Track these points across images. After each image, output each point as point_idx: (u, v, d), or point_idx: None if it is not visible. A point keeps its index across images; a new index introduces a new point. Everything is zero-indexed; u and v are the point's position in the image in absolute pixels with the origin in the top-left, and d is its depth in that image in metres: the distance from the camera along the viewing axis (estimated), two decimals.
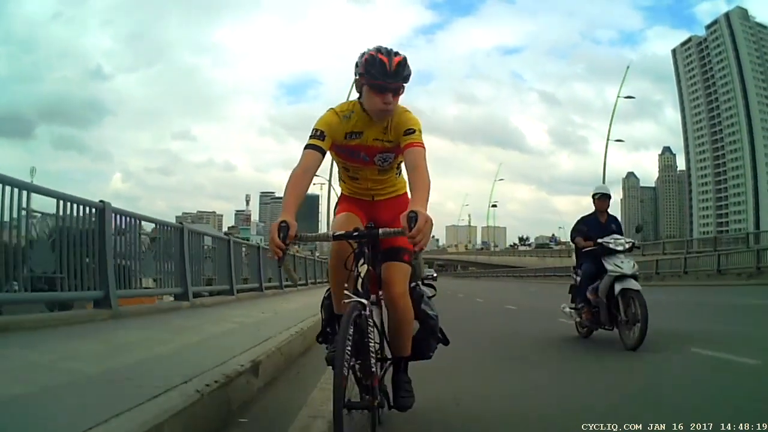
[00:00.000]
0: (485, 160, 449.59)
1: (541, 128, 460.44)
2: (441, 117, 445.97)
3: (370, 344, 3.56)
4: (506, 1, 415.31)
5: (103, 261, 8.92)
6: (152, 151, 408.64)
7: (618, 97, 76.72)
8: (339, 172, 4.59)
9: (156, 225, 12.15)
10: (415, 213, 3.37)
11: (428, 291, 4.60)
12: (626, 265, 9.50)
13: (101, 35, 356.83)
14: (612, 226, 10.83)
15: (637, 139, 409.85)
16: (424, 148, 4.12)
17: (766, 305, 16.90)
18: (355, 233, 3.73)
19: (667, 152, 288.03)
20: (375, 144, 4.20)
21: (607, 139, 75.55)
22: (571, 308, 10.68)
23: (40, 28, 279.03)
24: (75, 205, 8.51)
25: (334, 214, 4.63)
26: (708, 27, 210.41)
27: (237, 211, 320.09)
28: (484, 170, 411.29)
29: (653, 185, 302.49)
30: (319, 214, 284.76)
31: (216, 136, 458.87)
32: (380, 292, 4.04)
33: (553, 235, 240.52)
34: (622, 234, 10.49)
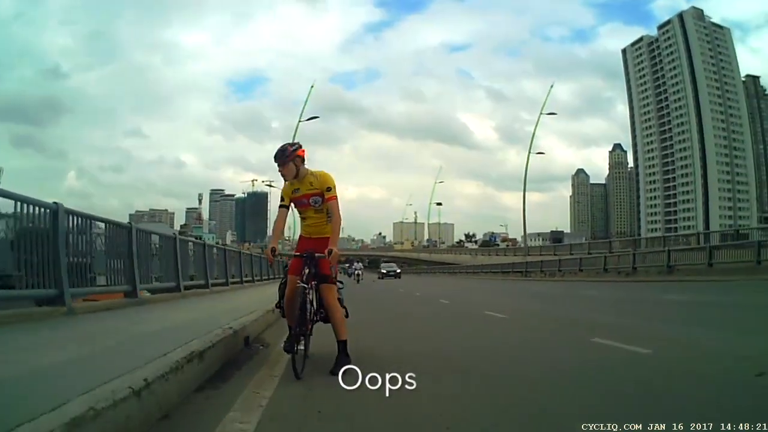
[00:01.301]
0: (432, 156, 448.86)
1: (489, 125, 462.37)
2: (388, 114, 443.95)
3: (307, 311, 6.80)
4: None
5: (57, 260, 9.21)
6: (105, 149, 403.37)
7: (540, 114, 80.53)
8: (299, 222, 7.52)
9: (106, 224, 12.35)
10: (331, 250, 6.85)
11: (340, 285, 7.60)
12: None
13: (59, 35, 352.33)
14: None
15: (587, 136, 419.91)
16: (337, 199, 7.19)
17: (680, 300, 18.19)
18: (305, 254, 6.97)
19: (617, 149, 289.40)
20: (307, 192, 7.12)
21: (529, 153, 78.56)
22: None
23: (1, 29, 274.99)
24: (30, 206, 8.83)
25: (297, 245, 7.51)
26: (660, 27, 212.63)
27: (188, 208, 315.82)
28: (431, 166, 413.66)
29: (604, 182, 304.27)
30: (268, 212, 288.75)
31: (166, 134, 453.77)
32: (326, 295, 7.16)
33: (492, 233, 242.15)
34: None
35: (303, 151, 7.18)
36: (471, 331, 11.75)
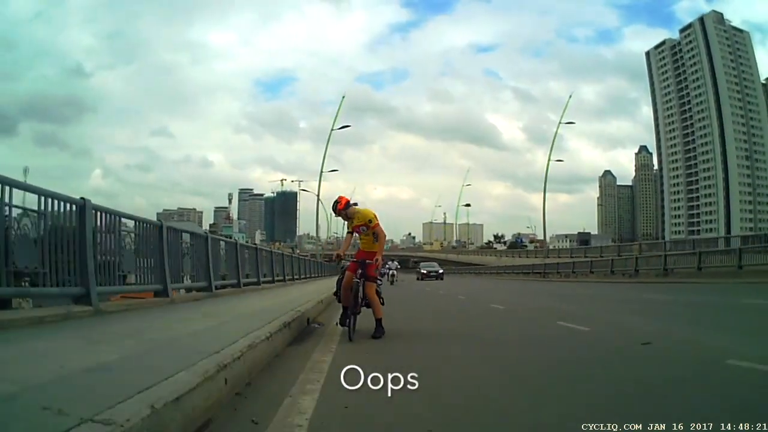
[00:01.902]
0: (460, 156, 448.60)
1: (516, 126, 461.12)
2: (415, 114, 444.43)
3: (359, 297, 10.37)
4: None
5: (83, 257, 9.04)
6: (131, 148, 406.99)
7: (559, 123, 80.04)
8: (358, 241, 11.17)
9: (135, 222, 12.10)
10: (376, 258, 10.59)
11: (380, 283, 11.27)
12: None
13: (81, 33, 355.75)
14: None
15: (614, 137, 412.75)
16: (379, 225, 10.75)
17: (651, 298, 21.18)
18: (359, 260, 10.62)
19: (643, 151, 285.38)
20: (357, 224, 10.79)
21: (548, 160, 78.14)
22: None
23: (21, 27, 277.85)
24: (57, 202, 8.67)
25: (356, 254, 11.05)
26: (682, 30, 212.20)
27: (216, 207, 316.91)
28: (459, 167, 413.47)
29: (630, 183, 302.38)
30: (297, 211, 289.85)
31: (193, 134, 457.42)
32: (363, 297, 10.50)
33: (518, 235, 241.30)
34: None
35: (343, 200, 10.94)
36: (475, 316, 16.44)
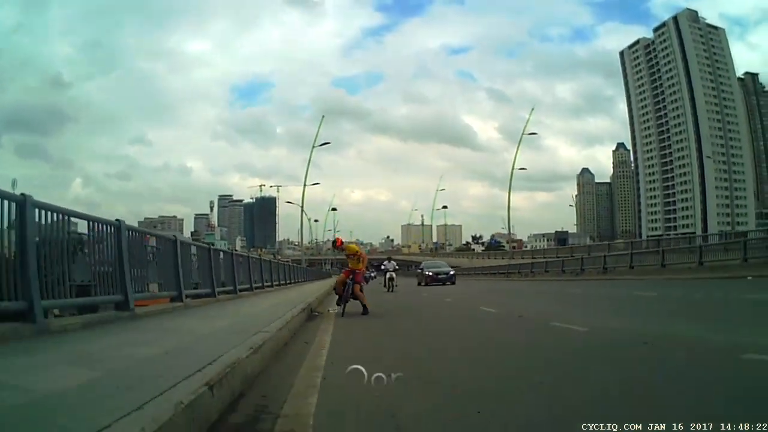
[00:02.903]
0: (437, 157, 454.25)
1: (492, 126, 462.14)
2: (391, 117, 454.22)
3: (348, 291, 16.04)
4: (455, 1, 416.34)
5: (122, 270, 10.39)
6: (111, 157, 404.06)
7: (522, 134, 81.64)
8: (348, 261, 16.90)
9: (156, 237, 14.13)
10: (360, 271, 16.58)
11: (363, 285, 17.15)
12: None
13: (61, 44, 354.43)
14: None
15: (591, 134, 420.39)
16: (359, 252, 16.98)
17: (586, 292, 23.78)
18: (350, 270, 16.41)
19: (621, 148, 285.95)
20: (347, 254, 16.95)
21: (512, 169, 79.82)
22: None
23: (2, 39, 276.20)
24: (98, 225, 10.03)
25: (341, 274, 17.58)
26: (656, 30, 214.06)
27: (197, 214, 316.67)
28: (436, 168, 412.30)
29: (608, 181, 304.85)
30: (276, 216, 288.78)
31: (171, 141, 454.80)
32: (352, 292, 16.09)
33: (494, 235, 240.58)
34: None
35: (339, 240, 18.77)
36: (432, 306, 20.62)
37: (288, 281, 41.12)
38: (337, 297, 16.70)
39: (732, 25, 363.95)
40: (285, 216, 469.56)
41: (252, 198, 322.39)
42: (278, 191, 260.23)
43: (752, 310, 12.44)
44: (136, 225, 14.79)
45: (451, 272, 47.05)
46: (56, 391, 4.20)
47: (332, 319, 14.48)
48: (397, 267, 38.00)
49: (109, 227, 10.60)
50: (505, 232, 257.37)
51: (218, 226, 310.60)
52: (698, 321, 10.76)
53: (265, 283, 29.38)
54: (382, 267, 37.95)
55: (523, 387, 5.51)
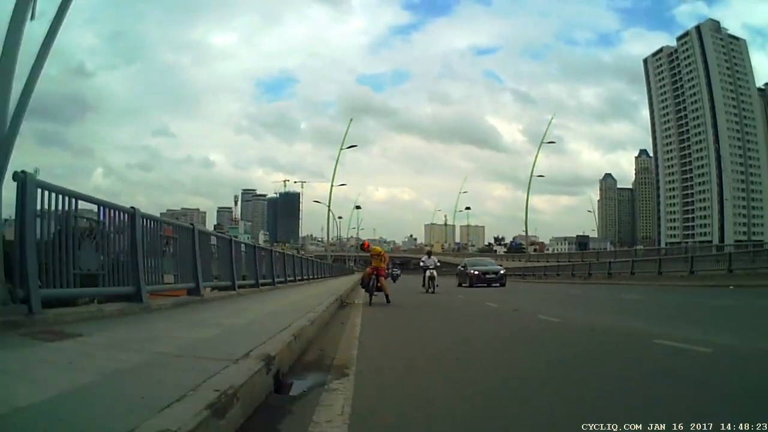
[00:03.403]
0: (461, 158, 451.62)
1: (516, 128, 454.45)
2: (416, 116, 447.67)
3: (373, 284, 20.04)
4: (481, 2, 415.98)
5: (135, 260, 10.05)
6: (132, 148, 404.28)
7: (542, 142, 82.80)
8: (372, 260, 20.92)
9: (173, 226, 13.46)
10: (383, 268, 20.67)
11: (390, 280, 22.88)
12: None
13: (84, 34, 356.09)
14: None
15: (614, 139, 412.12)
16: (383, 253, 21.19)
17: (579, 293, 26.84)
18: (374, 268, 20.33)
19: (643, 155, 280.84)
20: (372, 254, 21.07)
21: (531, 176, 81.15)
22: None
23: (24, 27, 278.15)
24: (110, 210, 9.55)
25: (368, 269, 21.26)
26: (679, 38, 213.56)
27: (220, 208, 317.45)
28: (460, 168, 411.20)
29: (630, 186, 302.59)
30: (300, 212, 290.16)
31: (194, 133, 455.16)
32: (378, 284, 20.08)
33: (515, 237, 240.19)
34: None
35: (366, 243, 22.85)
36: (444, 302, 22.40)
37: (313, 276, 42.06)
38: (363, 289, 21.24)
39: (754, 35, 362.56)
40: (308, 212, 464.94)
41: (276, 193, 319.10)
42: (302, 187, 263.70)
43: (702, 313, 14.98)
44: (158, 216, 14.53)
45: (501, 271, 39.43)
46: (210, 336, 7.08)
47: (360, 308, 17.72)
48: (438, 263, 32.12)
49: (188, 232, 13.76)
50: (528, 234, 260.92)
51: (241, 219, 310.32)
52: (649, 318, 13.37)
53: (288, 278, 29.68)
54: (421, 264, 32.34)
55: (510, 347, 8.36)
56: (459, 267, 44.72)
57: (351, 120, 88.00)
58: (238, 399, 3.81)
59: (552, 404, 4.82)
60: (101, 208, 9.68)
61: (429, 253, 33.78)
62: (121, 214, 9.99)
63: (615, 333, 10.21)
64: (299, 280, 33.91)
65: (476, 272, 38.34)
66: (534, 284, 49.49)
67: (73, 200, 8.39)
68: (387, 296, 19.67)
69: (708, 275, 31.59)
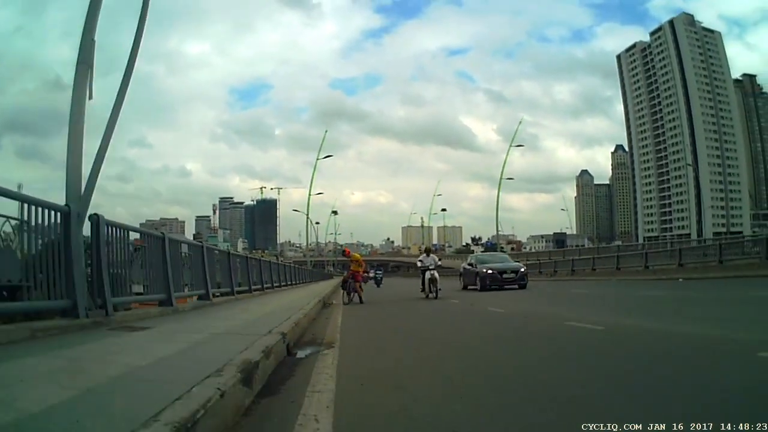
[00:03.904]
0: (436, 159, 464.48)
1: (491, 127, 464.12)
2: (389, 119, 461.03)
3: (350, 287, 23.65)
4: (453, 2, 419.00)
5: (204, 273, 15.45)
6: (110, 159, 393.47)
7: (510, 146, 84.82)
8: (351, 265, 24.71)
9: (141, 234, 13.25)
10: (360, 272, 24.71)
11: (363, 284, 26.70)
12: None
13: (60, 47, 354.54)
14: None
15: (590, 136, 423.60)
16: (359, 259, 25.24)
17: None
18: (351, 273, 24.07)
19: (619, 150, 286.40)
20: (350, 260, 25.01)
21: (500, 179, 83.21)
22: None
23: (2, 42, 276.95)
24: (146, 236, 11.59)
25: (346, 273, 25.44)
26: (652, 33, 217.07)
27: (198, 217, 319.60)
28: (435, 169, 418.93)
29: (608, 182, 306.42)
30: (277, 219, 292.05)
31: (170, 143, 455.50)
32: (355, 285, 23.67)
33: (489, 239, 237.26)
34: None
35: (347, 251, 29.15)
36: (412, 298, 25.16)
37: (295, 282, 43.81)
38: (342, 291, 24.26)
39: (731, 26, 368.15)
40: (285, 218, 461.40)
41: (252, 200, 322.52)
42: (279, 193, 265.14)
43: (628, 302, 18.01)
44: (137, 226, 14.65)
45: (522, 269, 31.67)
46: (239, 324, 9.96)
47: (341, 307, 21.10)
48: (439, 262, 26.36)
49: (197, 248, 16.88)
50: (506, 233, 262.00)
51: (220, 228, 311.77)
52: (579, 306, 16.70)
53: (274, 284, 31.47)
54: (419, 263, 26.63)
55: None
56: (464, 265, 35.57)
57: (326, 131, 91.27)
58: (272, 353, 6.59)
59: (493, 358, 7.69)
60: (144, 235, 13.16)
61: (428, 251, 27.31)
62: (151, 239, 12.94)
63: (539, 318, 13.27)
64: (284, 285, 35.52)
65: (489, 271, 30.73)
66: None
67: (128, 231, 11.13)
68: (360, 297, 23.38)
69: (661, 269, 34.80)
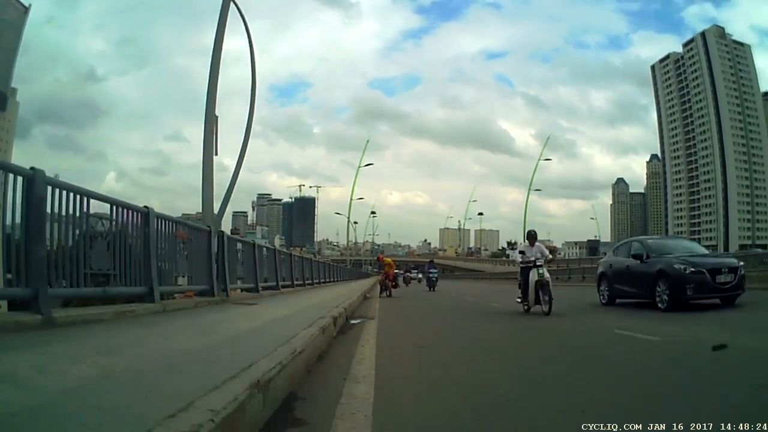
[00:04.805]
0: (474, 162, 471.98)
1: (528, 132, 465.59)
2: (427, 120, 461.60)
3: (386, 286, 31.61)
4: (492, 5, 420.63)
5: (224, 267, 14.88)
6: (145, 152, 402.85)
7: (539, 159, 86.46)
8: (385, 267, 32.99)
9: (189, 227, 13.79)
10: (390, 273, 32.31)
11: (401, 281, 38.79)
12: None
13: (93, 39, 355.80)
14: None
15: (626, 143, 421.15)
16: (391, 263, 33.24)
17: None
18: (386, 274, 32.19)
19: (654, 159, 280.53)
20: (386, 263, 33.14)
21: (529, 189, 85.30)
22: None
23: (34, 32, 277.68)
24: (125, 210, 9.77)
25: (381, 274, 33.98)
26: (685, 45, 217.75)
27: (235, 212, 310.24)
28: (473, 172, 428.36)
29: (642, 191, 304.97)
30: (315, 217, 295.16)
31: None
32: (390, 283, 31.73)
33: (508, 242, 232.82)
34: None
35: (381, 257, 41.55)
36: (436, 295, 31.89)
37: (335, 279, 47.39)
38: (380, 288, 31.98)
39: (762, 37, 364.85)
40: (322, 215, 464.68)
41: (291, 197, 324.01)
42: (317, 192, 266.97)
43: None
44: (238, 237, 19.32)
45: (739, 265, 16.88)
46: (314, 303, 15.31)
47: (377, 299, 27.82)
48: (549, 255, 17.51)
49: (254, 247, 19.16)
50: (542, 238, 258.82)
51: (258, 224, 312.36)
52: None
53: (314, 280, 33.94)
54: (518, 257, 17.80)
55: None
56: (612, 259, 21.02)
57: (368, 141, 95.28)
58: (340, 318, 12.02)
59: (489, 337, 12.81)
60: (245, 244, 18.80)
61: (532, 238, 17.93)
62: (248, 246, 17.97)
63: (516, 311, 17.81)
64: (321, 282, 37.14)
65: (691, 269, 16.23)
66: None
67: (236, 242, 16.97)
68: (391, 292, 30.85)
69: None
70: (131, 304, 9.87)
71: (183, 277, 13.00)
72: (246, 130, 17.82)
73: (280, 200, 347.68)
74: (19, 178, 6.93)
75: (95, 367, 4.75)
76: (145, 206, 10.48)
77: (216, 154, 16.66)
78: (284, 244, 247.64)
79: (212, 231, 14.50)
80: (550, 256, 17.43)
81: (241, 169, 23.26)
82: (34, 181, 7.09)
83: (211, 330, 8.30)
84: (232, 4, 18.57)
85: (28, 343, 5.82)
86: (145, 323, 8.56)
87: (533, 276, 16.45)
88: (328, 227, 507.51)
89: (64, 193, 7.82)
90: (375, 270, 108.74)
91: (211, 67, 18.42)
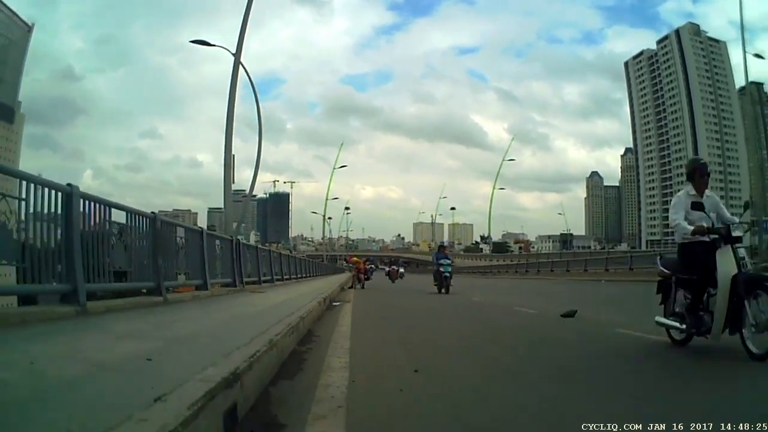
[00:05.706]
0: (447, 156, 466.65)
1: (501, 126, 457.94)
2: (400, 115, 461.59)
3: (359, 279, 37.34)
4: (464, 1, 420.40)
5: (239, 265, 18.63)
6: (122, 149, 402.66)
7: (503, 160, 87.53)
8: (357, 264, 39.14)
9: (184, 228, 14.21)
10: (361, 268, 38.04)
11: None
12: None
13: (71, 38, 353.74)
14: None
15: (600, 137, 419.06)
16: (360, 261, 39.03)
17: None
18: (358, 268, 38.25)
19: (629, 153, 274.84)
20: (356, 260, 40.04)
21: (493, 189, 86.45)
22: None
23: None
24: (133, 215, 10.54)
25: (353, 269, 40.25)
26: (659, 42, 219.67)
27: (210, 208, 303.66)
28: (446, 166, 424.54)
29: (617, 184, 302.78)
30: (290, 213, 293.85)
31: (182, 135, 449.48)
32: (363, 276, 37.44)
33: (482, 237, 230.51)
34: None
35: (350, 257, 57.01)
36: (408, 287, 35.45)
37: (312, 274, 47.88)
38: (354, 281, 36.08)
39: (739, 31, 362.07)
40: (297, 211, 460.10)
41: (265, 193, 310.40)
42: (292, 187, 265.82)
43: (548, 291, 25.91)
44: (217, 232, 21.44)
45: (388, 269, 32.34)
46: (304, 293, 18.34)
47: (353, 291, 31.22)
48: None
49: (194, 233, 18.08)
50: (516, 232, 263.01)
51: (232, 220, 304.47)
52: (537, 297, 24.12)
53: (292, 276, 34.41)
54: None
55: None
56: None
57: (342, 144, 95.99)
58: (327, 300, 15.46)
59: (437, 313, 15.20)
60: (249, 248, 23.46)
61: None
62: (226, 242, 18.71)
63: (488, 304, 20.20)
64: (299, 277, 38.00)
65: None
66: (496, 279, 62.22)
67: (246, 246, 21.74)
68: (363, 284, 35.38)
69: (596, 273, 44.07)
70: (149, 296, 11.15)
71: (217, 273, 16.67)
72: (257, 156, 23.05)
73: (255, 196, 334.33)
74: (59, 193, 7.85)
75: (158, 339, 6.18)
76: (152, 212, 11.71)
77: (233, 182, 24.11)
78: (259, 240, 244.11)
79: (233, 240, 18.92)
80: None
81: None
82: (72, 195, 8.02)
83: (250, 303, 13.31)
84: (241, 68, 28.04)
85: (78, 327, 6.88)
86: (181, 308, 10.82)
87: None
88: (302, 222, 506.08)
89: (91, 203, 9.01)
90: (349, 266, 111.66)
91: (227, 117, 26.46)
